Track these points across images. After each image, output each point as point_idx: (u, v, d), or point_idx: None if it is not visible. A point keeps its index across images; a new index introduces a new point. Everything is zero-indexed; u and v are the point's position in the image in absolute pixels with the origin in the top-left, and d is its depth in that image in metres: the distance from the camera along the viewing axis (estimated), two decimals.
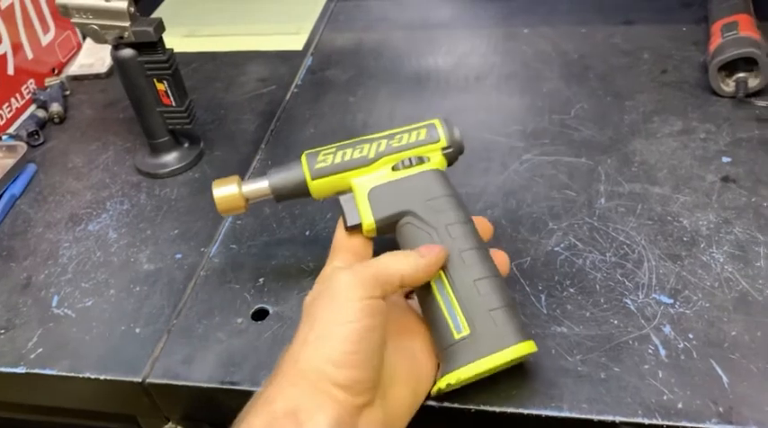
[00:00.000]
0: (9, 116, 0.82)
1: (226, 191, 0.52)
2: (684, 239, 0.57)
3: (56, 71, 0.90)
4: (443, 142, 0.52)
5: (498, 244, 0.56)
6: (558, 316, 0.52)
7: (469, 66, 0.82)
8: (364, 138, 0.53)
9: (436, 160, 0.52)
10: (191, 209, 0.67)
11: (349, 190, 0.52)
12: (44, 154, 0.78)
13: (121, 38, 0.64)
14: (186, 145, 0.73)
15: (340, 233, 0.51)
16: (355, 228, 0.50)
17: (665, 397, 0.46)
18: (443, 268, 0.46)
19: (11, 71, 0.82)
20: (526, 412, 0.46)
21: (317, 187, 0.52)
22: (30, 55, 0.85)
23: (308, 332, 0.42)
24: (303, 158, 0.52)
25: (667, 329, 0.50)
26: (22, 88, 0.84)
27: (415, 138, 0.52)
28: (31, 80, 0.86)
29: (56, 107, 0.82)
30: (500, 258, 0.50)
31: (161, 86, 0.67)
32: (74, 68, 0.91)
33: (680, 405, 0.45)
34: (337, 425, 0.39)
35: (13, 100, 0.82)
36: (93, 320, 0.57)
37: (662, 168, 0.64)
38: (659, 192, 0.61)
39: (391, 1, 0.98)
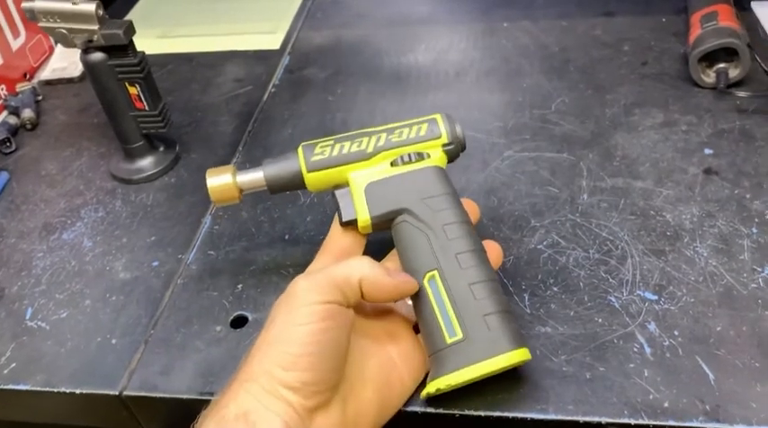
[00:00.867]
0: None
1: (220, 180, 0.51)
2: (668, 234, 0.56)
3: (28, 76, 0.88)
4: (445, 138, 0.51)
5: None
6: (542, 316, 0.51)
7: (449, 63, 0.81)
8: (363, 131, 0.52)
9: (436, 157, 0.51)
10: (167, 215, 0.66)
11: (345, 184, 0.51)
12: (16, 161, 0.76)
13: (90, 41, 0.62)
14: (161, 149, 0.72)
15: (334, 229, 0.51)
16: (350, 224, 0.49)
17: (650, 397, 0.45)
18: (438, 270, 0.45)
19: None
20: (511, 415, 0.45)
21: (313, 180, 0.51)
22: (0, 60, 0.83)
23: (264, 335, 0.42)
24: (300, 150, 0.51)
25: (652, 326, 0.49)
26: None
27: (415, 134, 0.51)
28: (2, 86, 0.84)
29: (28, 113, 0.80)
30: (493, 250, 0.49)
31: (133, 90, 0.65)
32: (46, 73, 0.89)
33: (666, 404, 0.44)
34: (288, 426, 0.38)
35: None
36: (69, 332, 0.56)
37: (644, 162, 0.63)
38: (642, 186, 0.61)
39: None
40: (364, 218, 0.49)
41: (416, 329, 0.49)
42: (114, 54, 0.63)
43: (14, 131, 0.80)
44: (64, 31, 0.62)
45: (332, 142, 0.51)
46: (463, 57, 0.82)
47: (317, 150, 0.51)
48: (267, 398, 0.39)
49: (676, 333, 0.49)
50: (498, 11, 0.89)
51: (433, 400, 0.46)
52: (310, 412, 0.40)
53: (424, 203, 0.48)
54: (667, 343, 0.48)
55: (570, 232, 0.57)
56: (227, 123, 0.77)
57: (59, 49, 0.93)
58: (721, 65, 0.69)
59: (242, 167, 0.53)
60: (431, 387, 0.44)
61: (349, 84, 0.81)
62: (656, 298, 0.51)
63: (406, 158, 0.50)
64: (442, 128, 0.51)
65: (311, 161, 0.51)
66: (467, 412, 0.46)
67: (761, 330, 0.48)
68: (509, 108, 0.72)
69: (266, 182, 0.51)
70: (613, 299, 0.51)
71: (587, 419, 0.44)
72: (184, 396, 0.50)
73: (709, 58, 0.69)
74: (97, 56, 0.63)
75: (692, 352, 0.47)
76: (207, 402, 0.49)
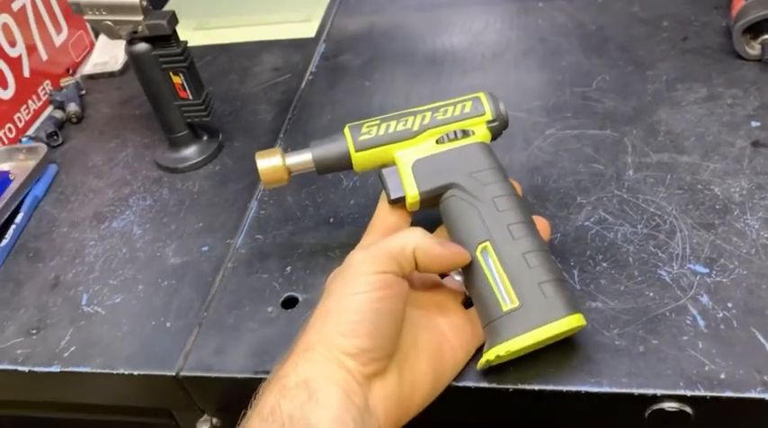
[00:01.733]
0: (27, 118, 0.82)
1: (269, 162, 0.52)
2: (717, 207, 0.55)
3: (70, 71, 0.90)
4: (489, 115, 0.51)
5: None
6: (592, 292, 0.51)
7: (485, 44, 0.81)
8: (408, 110, 0.52)
9: (481, 133, 0.51)
10: (214, 202, 0.67)
11: (392, 163, 0.51)
12: (64, 154, 0.78)
13: (135, 32, 0.63)
14: (205, 138, 0.73)
15: (381, 208, 0.51)
16: (398, 201, 0.50)
17: (706, 368, 0.45)
18: (490, 240, 0.45)
19: (26, 73, 0.82)
20: (565, 389, 0.45)
21: (360, 159, 0.51)
22: (44, 56, 0.85)
23: (321, 307, 0.43)
24: (347, 130, 0.52)
25: (705, 299, 0.49)
26: (39, 90, 0.84)
27: (460, 111, 0.51)
28: (47, 81, 0.86)
29: (73, 107, 0.82)
30: (541, 225, 0.49)
31: (177, 79, 0.66)
32: (88, 67, 0.91)
33: (723, 376, 0.44)
34: (346, 394, 0.39)
35: (30, 102, 0.82)
36: (124, 316, 0.57)
37: (689, 136, 0.62)
38: (688, 161, 0.60)
39: None
40: (413, 194, 0.49)
41: (465, 306, 0.49)
42: (158, 44, 0.64)
43: (61, 125, 0.82)
44: (109, 22, 0.63)
45: (378, 122, 0.52)
46: (499, 37, 0.82)
47: (364, 130, 0.51)
48: (326, 366, 0.40)
49: (730, 305, 0.48)
50: None
51: (486, 375, 0.46)
52: (368, 378, 0.41)
53: (473, 177, 0.48)
54: (721, 315, 0.48)
55: (617, 208, 0.57)
56: (267, 111, 0.78)
57: (100, 43, 0.95)
58: (766, 36, 0.68)
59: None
60: (489, 355, 0.44)
61: (385, 69, 0.81)
62: (707, 271, 0.51)
63: (452, 135, 0.50)
64: (486, 105, 0.51)
65: (358, 141, 0.51)
66: (520, 386, 0.46)
67: None
68: (549, 87, 0.72)
69: (314, 163, 0.52)
70: (664, 273, 0.51)
71: (642, 391, 0.44)
72: (239, 376, 0.51)
73: (754, 30, 0.68)
74: (142, 46, 0.64)
75: (746, 324, 0.47)
76: (261, 380, 0.50)
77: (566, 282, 0.45)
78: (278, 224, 0.62)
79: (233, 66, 0.87)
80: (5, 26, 0.78)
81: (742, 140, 0.61)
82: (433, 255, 0.44)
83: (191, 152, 0.71)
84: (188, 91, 0.67)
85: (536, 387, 0.46)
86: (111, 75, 0.90)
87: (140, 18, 0.62)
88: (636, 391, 0.44)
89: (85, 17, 0.64)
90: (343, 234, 0.60)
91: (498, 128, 0.52)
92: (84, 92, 0.87)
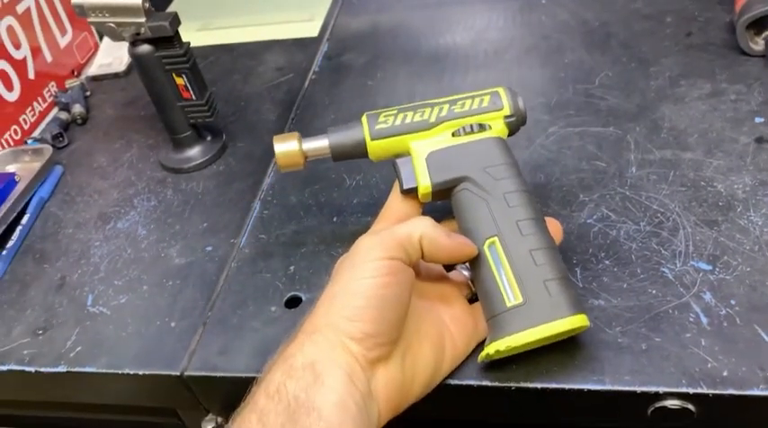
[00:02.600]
0: (33, 120, 0.82)
1: (286, 147, 0.53)
2: (720, 204, 0.55)
3: (75, 72, 0.91)
4: (507, 110, 0.51)
5: None
6: (595, 289, 0.51)
7: (488, 41, 0.81)
8: (426, 101, 0.52)
9: (498, 128, 0.51)
10: (218, 202, 0.67)
11: (407, 153, 0.52)
12: (69, 155, 0.79)
13: (138, 34, 0.64)
14: (209, 138, 0.73)
15: (393, 198, 0.52)
16: (411, 192, 0.50)
17: (709, 365, 0.45)
18: (498, 236, 0.45)
19: (31, 75, 0.83)
20: (568, 387, 0.45)
21: (376, 148, 0.52)
22: (49, 58, 0.86)
23: (328, 290, 0.43)
24: (364, 119, 0.52)
25: (708, 296, 0.49)
26: (44, 91, 0.85)
27: (477, 105, 0.51)
28: (52, 83, 0.86)
29: (78, 108, 0.83)
30: (554, 227, 0.49)
31: (180, 80, 0.66)
32: (92, 69, 0.92)
33: (725, 373, 0.44)
34: (350, 378, 0.40)
35: (35, 104, 0.83)
36: (129, 316, 0.58)
37: (693, 133, 0.62)
38: (691, 158, 0.60)
39: None
40: (425, 185, 0.49)
41: (470, 301, 0.50)
42: (161, 46, 0.65)
43: (66, 126, 0.82)
44: (112, 25, 0.64)
45: (395, 112, 0.52)
46: (502, 35, 0.82)
47: (381, 119, 0.52)
48: (332, 349, 0.40)
49: (733, 302, 0.48)
50: None
51: (489, 373, 0.47)
52: (372, 364, 0.41)
53: (486, 172, 0.48)
54: (724, 312, 0.48)
55: (620, 205, 0.57)
56: (271, 111, 0.78)
57: (104, 45, 0.95)
58: None
59: None
60: (490, 349, 0.44)
61: (388, 68, 0.81)
62: (710, 268, 0.51)
63: (468, 129, 0.51)
64: (505, 100, 0.52)
65: (375, 129, 0.51)
66: (522, 384, 0.46)
67: None
68: (551, 84, 0.72)
69: (330, 149, 0.52)
70: (666, 271, 0.51)
71: (644, 389, 0.44)
72: (243, 375, 0.51)
73: (758, 26, 0.68)
74: (145, 48, 0.65)
75: (750, 321, 0.47)
76: None
77: (572, 282, 0.45)
78: (281, 224, 0.63)
79: (236, 66, 0.87)
80: (10, 28, 0.79)
81: (746, 136, 0.61)
82: (439, 245, 0.44)
83: (194, 152, 0.72)
84: (191, 92, 0.67)
85: (539, 385, 0.46)
86: (115, 76, 0.90)
87: (143, 20, 0.62)
88: (638, 389, 0.44)
89: (89, 19, 0.64)
90: (346, 233, 0.60)
91: (516, 123, 0.52)
92: (88, 93, 0.87)
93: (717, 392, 0.43)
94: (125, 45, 0.66)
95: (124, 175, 0.74)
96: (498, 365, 0.46)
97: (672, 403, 0.44)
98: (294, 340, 0.42)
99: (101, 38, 0.96)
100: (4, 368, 0.56)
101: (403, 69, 0.80)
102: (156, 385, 0.54)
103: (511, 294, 0.44)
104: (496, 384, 0.46)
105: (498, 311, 0.44)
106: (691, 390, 0.44)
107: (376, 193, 0.63)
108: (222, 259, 0.61)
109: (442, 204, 0.51)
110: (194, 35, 0.95)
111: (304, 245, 0.60)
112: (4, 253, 0.66)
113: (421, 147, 0.51)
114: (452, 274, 0.51)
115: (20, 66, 0.81)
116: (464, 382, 0.47)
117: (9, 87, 0.79)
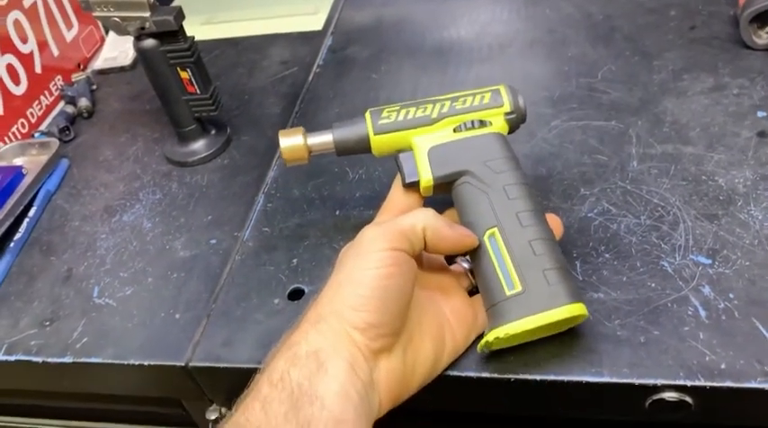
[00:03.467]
0: (40, 114, 0.83)
1: (291, 141, 0.54)
2: (720, 198, 0.55)
3: (81, 66, 0.91)
4: (507, 107, 0.52)
5: None
6: (595, 282, 0.51)
7: (492, 35, 0.81)
8: (429, 98, 0.53)
9: (498, 125, 0.52)
10: (222, 195, 0.68)
11: (409, 148, 0.52)
12: (75, 148, 0.79)
13: (143, 28, 0.64)
14: (213, 132, 0.74)
15: (394, 192, 0.53)
16: (412, 186, 0.51)
17: (707, 359, 0.45)
18: (498, 227, 0.46)
19: (38, 69, 0.83)
20: (566, 379, 0.46)
21: (379, 143, 0.53)
22: (55, 52, 0.86)
23: (332, 279, 0.44)
24: (367, 114, 0.53)
25: (707, 290, 0.49)
26: (50, 85, 0.85)
27: (478, 102, 0.52)
28: (59, 76, 0.87)
29: (84, 102, 0.83)
30: (554, 222, 0.49)
31: (185, 75, 0.67)
32: (98, 63, 0.92)
33: (723, 366, 0.44)
34: (352, 367, 0.40)
35: (42, 97, 0.84)
36: (134, 308, 0.58)
37: (694, 127, 0.62)
38: (693, 152, 0.60)
39: None
40: (427, 178, 0.50)
41: (469, 293, 0.50)
42: (165, 40, 0.65)
43: (72, 120, 0.83)
44: (117, 19, 0.64)
45: (398, 108, 0.53)
46: (506, 28, 0.82)
47: (384, 115, 0.53)
48: (335, 338, 0.41)
49: (732, 296, 0.48)
50: None
51: (488, 364, 0.47)
52: (375, 354, 0.42)
53: (486, 165, 0.49)
54: (722, 305, 0.48)
55: (621, 199, 0.57)
56: (275, 105, 0.79)
57: (110, 39, 0.96)
58: None
59: None
60: (489, 336, 0.44)
61: (392, 61, 0.81)
62: (709, 261, 0.51)
63: (469, 125, 0.51)
64: (505, 97, 0.52)
65: (378, 125, 0.52)
66: (521, 376, 0.46)
67: None
68: (555, 78, 0.72)
69: (334, 144, 0.53)
70: (666, 264, 0.51)
71: (642, 381, 0.45)
72: (246, 366, 0.52)
73: (761, 19, 0.68)
74: (149, 42, 0.65)
75: (748, 315, 0.47)
76: None
77: (570, 272, 0.46)
78: (285, 217, 0.63)
79: (241, 59, 0.88)
80: (17, 23, 0.80)
81: (747, 131, 0.61)
82: (441, 236, 0.45)
83: (199, 146, 0.72)
84: (195, 86, 0.68)
85: (537, 377, 0.46)
86: (121, 69, 0.91)
87: (147, 14, 0.63)
88: (636, 381, 0.45)
89: (94, 14, 0.65)
90: (349, 226, 0.61)
91: (516, 120, 0.53)
92: (95, 87, 0.88)
93: (714, 385, 0.44)
94: (131, 39, 0.66)
95: (130, 169, 0.74)
96: (497, 357, 0.47)
97: (669, 395, 0.44)
98: (298, 328, 0.43)
99: (107, 32, 0.97)
100: (12, 358, 0.57)
101: (407, 63, 0.80)
102: (160, 375, 0.55)
103: (510, 283, 0.45)
104: (495, 375, 0.47)
105: (498, 300, 0.45)
106: (688, 383, 0.44)
107: (378, 187, 0.64)
108: (226, 252, 0.61)
109: (441, 196, 0.52)
110: (198, 29, 0.95)
111: (307, 238, 0.60)
112: (11, 245, 0.67)
113: (423, 142, 0.52)
114: (453, 267, 0.52)
115: (27, 60, 0.81)
116: (463, 373, 0.47)
117: (16, 81, 0.80)
